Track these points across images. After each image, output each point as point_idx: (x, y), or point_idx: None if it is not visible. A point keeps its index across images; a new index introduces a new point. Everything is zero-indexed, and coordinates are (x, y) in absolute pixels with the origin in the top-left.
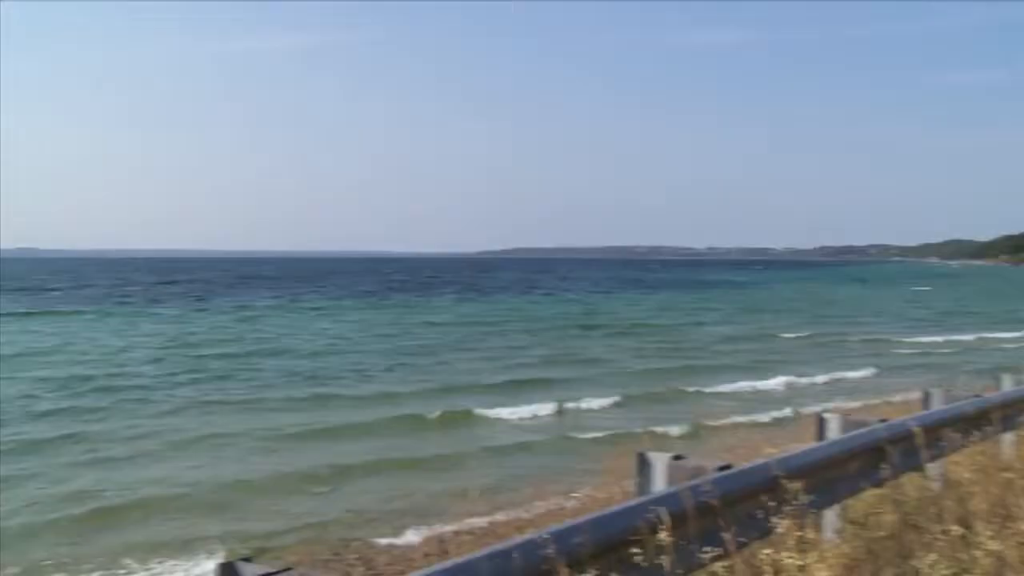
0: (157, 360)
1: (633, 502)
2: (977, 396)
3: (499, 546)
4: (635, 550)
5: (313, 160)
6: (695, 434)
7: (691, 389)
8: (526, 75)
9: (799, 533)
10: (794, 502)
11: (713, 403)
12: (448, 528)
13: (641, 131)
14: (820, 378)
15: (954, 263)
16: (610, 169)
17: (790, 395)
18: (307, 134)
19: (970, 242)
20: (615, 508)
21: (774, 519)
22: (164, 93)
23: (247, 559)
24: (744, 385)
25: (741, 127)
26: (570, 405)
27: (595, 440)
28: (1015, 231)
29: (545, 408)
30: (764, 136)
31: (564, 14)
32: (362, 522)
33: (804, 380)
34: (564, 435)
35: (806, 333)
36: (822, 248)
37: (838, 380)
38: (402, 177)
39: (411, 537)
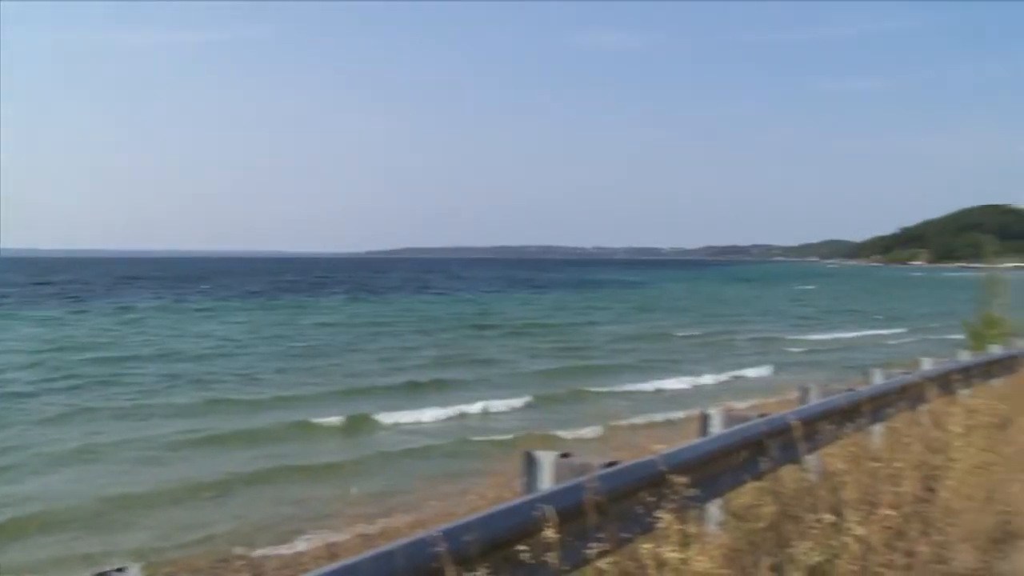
0: (33, 365)
1: (520, 500)
2: (850, 390)
3: (386, 547)
4: (522, 547)
5: (198, 158)
6: (602, 436)
7: (593, 389)
8: (420, 74)
9: (681, 527)
10: (677, 497)
11: (614, 403)
12: (340, 534)
13: (532, 131)
14: (721, 376)
15: (831, 263)
16: (501, 169)
17: (693, 394)
18: (192, 131)
19: (846, 242)
20: (502, 507)
21: (658, 514)
22: (45, 84)
23: (120, 570)
24: (646, 385)
25: (630, 128)
26: (470, 408)
27: (494, 443)
28: (886, 232)
29: (444, 411)
30: (652, 137)
31: (460, 12)
32: (252, 531)
33: (705, 379)
34: (464, 438)
35: (699, 332)
36: (708, 248)
37: (738, 378)
38: (288, 176)
39: (301, 544)
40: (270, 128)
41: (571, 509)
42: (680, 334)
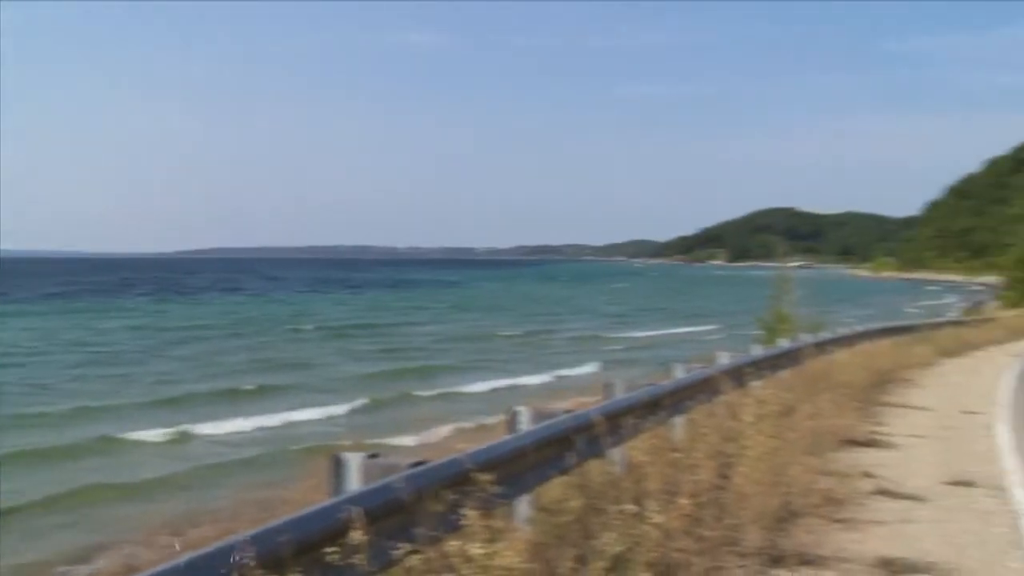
0: None
1: (326, 503)
2: (652, 384)
3: (189, 555)
4: (330, 550)
5: None
6: (426, 439)
7: (419, 392)
8: (231, 75)
9: (488, 523)
10: (484, 494)
11: (440, 406)
12: (147, 551)
13: (344, 131)
14: (545, 376)
15: (637, 262)
16: (312, 169)
17: (518, 394)
18: None
19: (651, 242)
20: (308, 510)
21: (464, 512)
22: None
23: None
24: (472, 387)
25: (440, 128)
26: (292, 415)
27: (315, 450)
28: (688, 233)
29: (263, 420)
30: (466, 138)
31: (267, 11)
32: (53, 555)
33: (529, 379)
34: (285, 448)
35: (520, 332)
36: (520, 247)
37: (561, 377)
38: (87, 172)
39: (102, 563)
40: (69, 120)
41: (379, 509)
42: (502, 334)
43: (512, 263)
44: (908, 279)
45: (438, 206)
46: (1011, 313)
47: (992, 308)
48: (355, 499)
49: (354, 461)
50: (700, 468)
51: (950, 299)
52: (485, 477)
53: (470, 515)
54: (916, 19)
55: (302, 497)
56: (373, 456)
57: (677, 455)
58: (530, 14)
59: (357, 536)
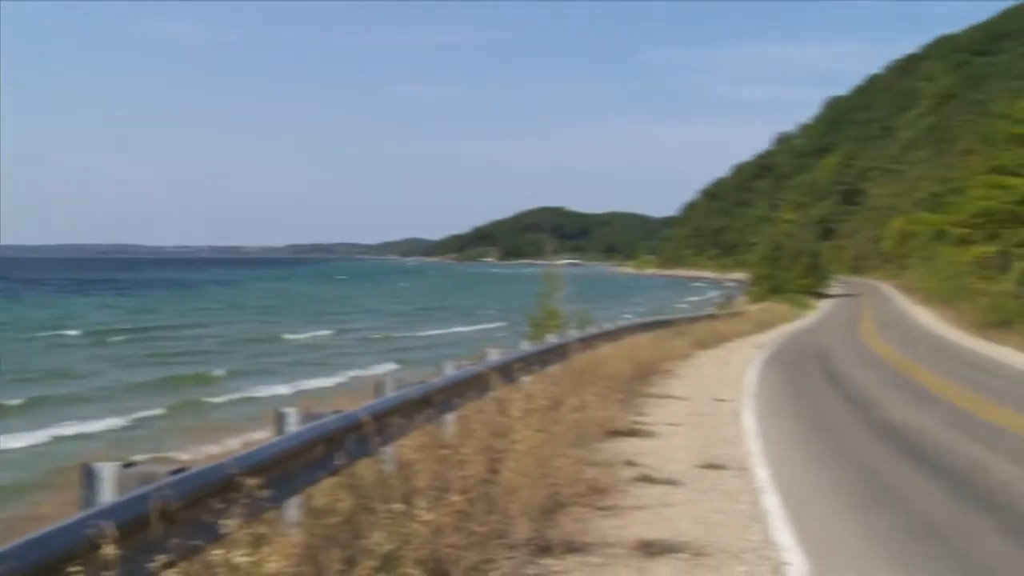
0: None
1: (74, 517)
2: (422, 382)
3: None
4: (75, 568)
5: None
6: (215, 448)
7: (208, 399)
8: None
9: (253, 529)
10: (249, 499)
11: (229, 412)
12: None
13: (103, 123)
14: (342, 377)
15: (411, 260)
16: (65, 162)
17: (313, 396)
18: None
19: (425, 241)
20: (50, 528)
21: (228, 518)
22: None
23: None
24: (263, 391)
25: (211, 125)
26: (57, 431)
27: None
28: (460, 231)
29: (29, 437)
30: (235, 134)
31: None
32: None
33: (325, 381)
34: (59, 466)
35: (307, 334)
36: (293, 246)
37: (355, 378)
38: None
39: None
40: None
41: (134, 522)
42: (289, 336)
43: (286, 262)
44: (669, 275)
45: (206, 204)
46: (757, 307)
47: (741, 302)
48: (106, 512)
49: (107, 471)
50: (470, 464)
51: (713, 294)
52: (252, 481)
53: (234, 522)
54: (674, 32)
55: (57, 514)
56: (128, 465)
57: (447, 452)
58: (293, 8)
59: (109, 552)
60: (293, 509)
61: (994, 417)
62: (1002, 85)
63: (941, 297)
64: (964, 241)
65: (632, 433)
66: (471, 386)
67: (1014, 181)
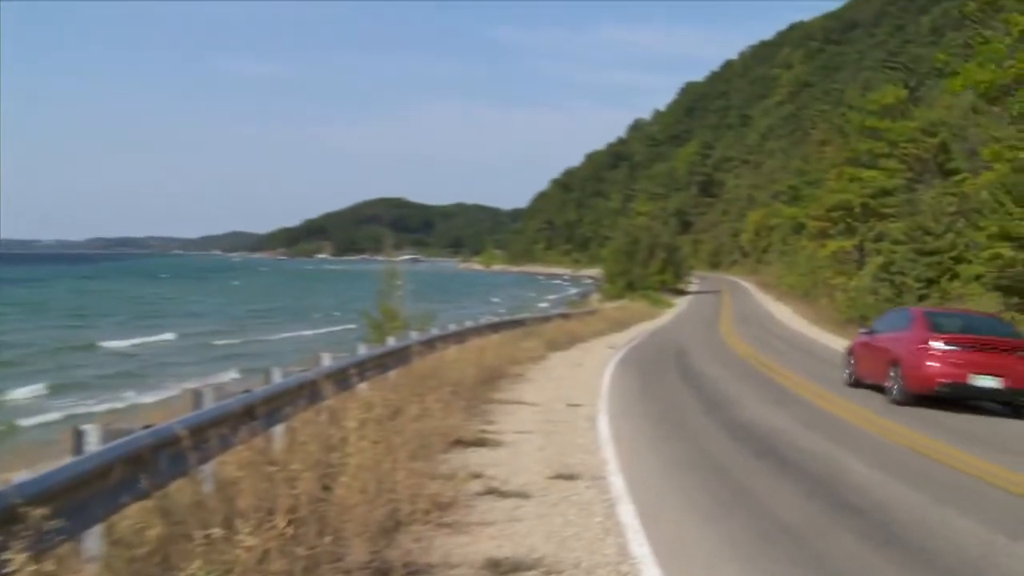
0: None
1: None
2: (247, 391)
3: None
4: None
5: None
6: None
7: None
8: None
9: (41, 566)
10: (35, 532)
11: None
12: None
13: None
14: (176, 390)
15: (236, 256)
16: None
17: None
18: None
19: (251, 235)
20: None
21: (7, 555)
22: None
23: None
24: (97, 407)
25: None
26: None
27: None
28: (290, 224)
29: None
30: (27, 119)
31: None
32: None
33: (159, 394)
34: None
35: (127, 342)
36: (96, 240)
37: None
38: None
39: None
40: None
41: None
42: (106, 345)
43: (89, 257)
44: (520, 272)
45: None
46: (611, 305)
47: (595, 300)
48: None
49: None
50: (299, 480)
51: (574, 292)
52: (38, 511)
53: (20, 558)
54: (524, 10)
55: None
56: None
57: (274, 468)
58: None
59: None
60: (93, 540)
61: (851, 416)
62: (854, 75)
63: (800, 293)
64: (822, 235)
65: (479, 443)
66: (301, 395)
67: (868, 173)
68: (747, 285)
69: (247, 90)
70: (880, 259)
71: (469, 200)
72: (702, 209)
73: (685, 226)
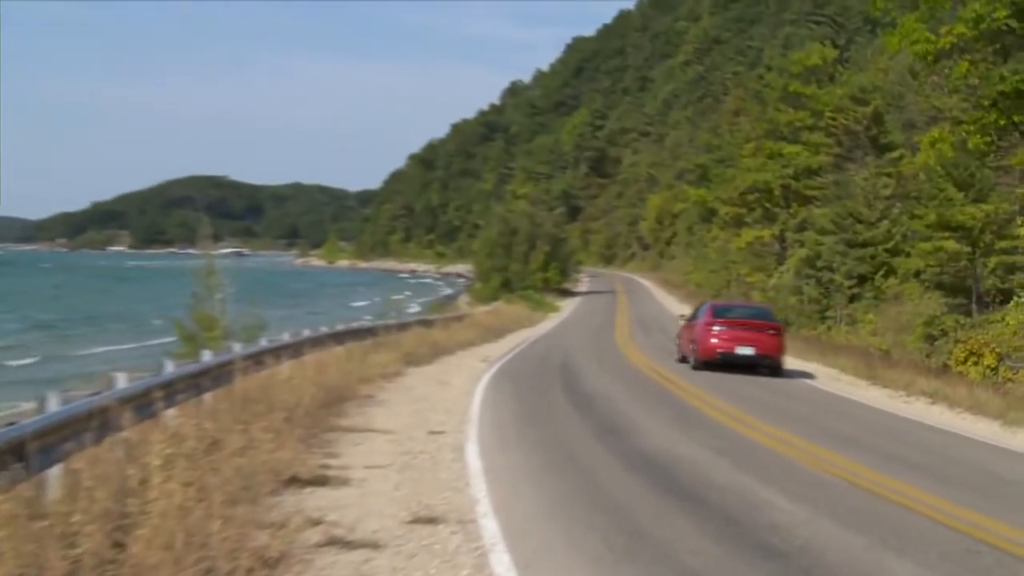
0: None
1: None
2: (10, 425)
3: None
4: None
5: None
6: None
7: None
8: None
9: None
10: None
11: None
12: None
13: None
14: None
15: None
16: None
17: None
18: None
19: (19, 221)
20: None
21: None
22: None
23: None
24: None
25: None
26: None
27: None
28: (74, 208)
29: None
30: None
31: None
32: None
33: None
34: None
35: None
36: None
37: None
38: None
39: None
40: None
41: None
42: None
43: None
44: (378, 269)
45: None
46: (484, 309)
47: (464, 304)
48: None
49: None
50: (81, 537)
51: (450, 292)
52: None
53: None
54: None
55: None
56: None
57: (46, 523)
58: None
59: None
60: None
61: (771, 442)
62: (773, 31)
63: (711, 292)
64: (736, 223)
65: (319, 481)
66: (87, 426)
67: (790, 149)
68: (647, 284)
69: (13, 32)
70: (804, 252)
71: (308, 180)
72: (593, 192)
73: (573, 212)
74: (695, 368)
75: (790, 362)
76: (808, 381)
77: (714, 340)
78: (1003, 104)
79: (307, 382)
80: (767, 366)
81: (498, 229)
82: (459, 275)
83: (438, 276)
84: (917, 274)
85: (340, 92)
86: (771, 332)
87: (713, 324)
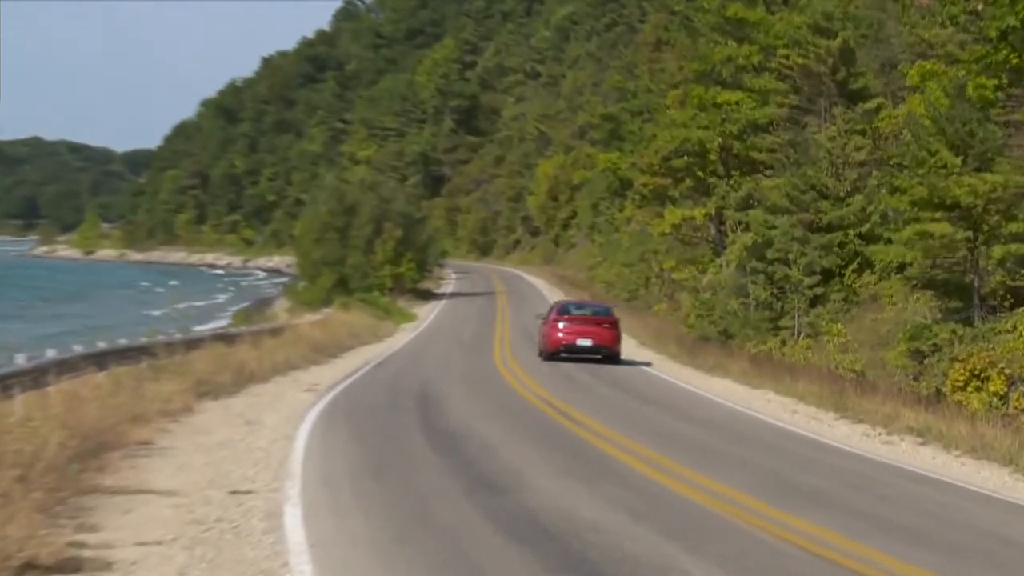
0: None
1: None
2: None
3: None
4: None
5: None
6: None
7: None
8: None
9: None
10: None
11: None
12: None
13: None
14: None
15: None
16: None
17: None
18: None
19: None
20: None
21: None
22: None
23: None
24: None
25: None
26: None
27: None
28: None
29: None
30: None
31: None
32: None
33: None
34: None
35: None
36: None
37: None
38: None
39: None
40: None
41: None
42: None
43: None
44: (165, 262)
45: None
46: (310, 318)
47: (283, 310)
48: None
49: None
50: None
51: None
52: None
53: None
54: None
55: None
56: None
57: None
58: None
59: None
60: None
61: (705, 498)
62: None
63: (625, 293)
64: (658, 198)
65: (67, 567)
66: None
67: (732, 97)
68: (538, 283)
69: None
70: (749, 238)
71: (52, 135)
72: (462, 155)
73: (435, 183)
74: (542, 358)
75: (729, 388)
76: (753, 414)
77: (559, 334)
78: (1015, 38)
79: (52, 424)
80: (604, 355)
81: (329, 207)
82: (275, 270)
83: (263, 273)
84: (900, 268)
85: (99, 13)
86: (607, 326)
87: (559, 320)
